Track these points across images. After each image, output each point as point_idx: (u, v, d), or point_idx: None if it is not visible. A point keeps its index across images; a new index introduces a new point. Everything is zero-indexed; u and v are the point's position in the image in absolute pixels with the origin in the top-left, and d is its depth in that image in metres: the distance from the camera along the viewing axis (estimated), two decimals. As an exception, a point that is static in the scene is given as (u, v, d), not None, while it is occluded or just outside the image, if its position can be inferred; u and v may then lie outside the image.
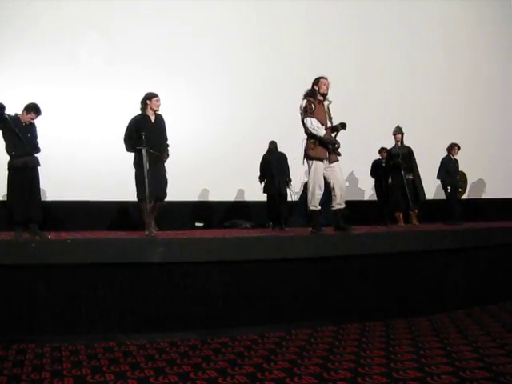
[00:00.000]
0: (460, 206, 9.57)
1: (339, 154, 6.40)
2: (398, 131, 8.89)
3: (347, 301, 5.81)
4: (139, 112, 6.72)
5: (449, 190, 9.40)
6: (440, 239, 6.46)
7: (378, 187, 10.01)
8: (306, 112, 6.32)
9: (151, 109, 6.60)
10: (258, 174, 9.14)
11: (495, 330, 5.24)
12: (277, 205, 8.83)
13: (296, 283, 5.63)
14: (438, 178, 9.48)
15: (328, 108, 6.47)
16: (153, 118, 6.64)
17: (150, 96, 6.60)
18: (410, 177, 8.73)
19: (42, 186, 6.54)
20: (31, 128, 6.41)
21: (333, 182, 6.38)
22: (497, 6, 12.83)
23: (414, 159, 8.90)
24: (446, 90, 12.07)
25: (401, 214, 8.94)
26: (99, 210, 9.32)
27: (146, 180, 6.24)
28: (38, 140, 6.50)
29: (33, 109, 6.33)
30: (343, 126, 6.46)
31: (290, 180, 9.09)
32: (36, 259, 4.96)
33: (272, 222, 8.98)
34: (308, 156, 6.40)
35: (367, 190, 11.88)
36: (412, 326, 5.51)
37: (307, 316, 5.60)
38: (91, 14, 9.94)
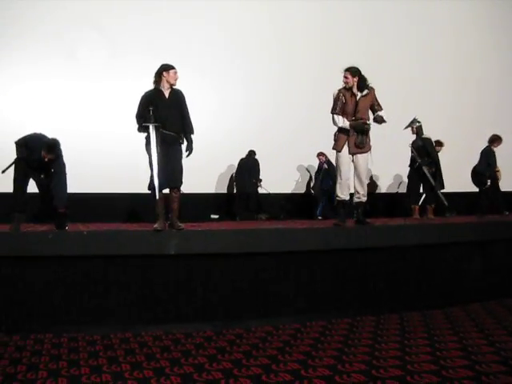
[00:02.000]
0: (495, 198, 9.49)
1: (360, 147, 6.27)
2: (409, 124, 8.81)
3: (362, 293, 5.80)
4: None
5: (488, 183, 9.31)
6: (456, 232, 6.42)
7: None
8: (332, 107, 6.34)
9: (167, 82, 5.74)
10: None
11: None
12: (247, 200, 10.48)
13: (311, 275, 5.63)
14: (479, 169, 9.38)
15: (360, 100, 6.26)
16: (167, 94, 5.78)
17: (166, 67, 5.76)
18: (425, 170, 8.63)
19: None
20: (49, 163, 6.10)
21: (354, 174, 6.39)
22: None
23: (432, 151, 8.79)
24: (457, 86, 11.98)
25: (416, 207, 8.89)
26: (114, 202, 9.38)
27: (155, 164, 5.55)
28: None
29: (44, 148, 5.98)
30: (376, 119, 6.35)
31: (261, 180, 10.48)
32: (53, 251, 5.01)
33: (240, 213, 10.43)
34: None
35: (380, 182, 11.84)
36: (427, 319, 5.49)
37: (322, 308, 5.60)
38: (104, 4, 9.97)
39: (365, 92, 6.28)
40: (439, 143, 9.75)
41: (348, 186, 6.40)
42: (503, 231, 6.75)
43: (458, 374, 3.67)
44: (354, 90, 6.26)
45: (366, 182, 6.54)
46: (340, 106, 6.27)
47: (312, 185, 11.30)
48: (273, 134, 10.57)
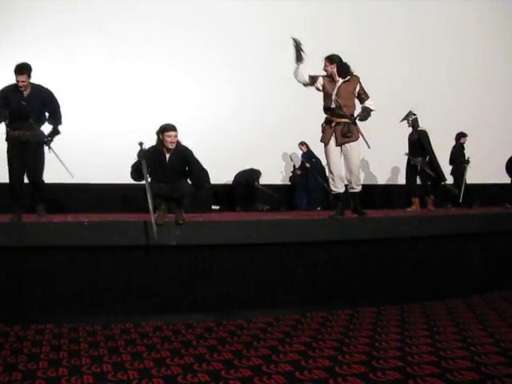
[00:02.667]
0: None
1: (348, 136, 6.09)
2: (404, 117, 8.80)
3: (363, 285, 5.81)
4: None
5: None
6: (457, 224, 6.42)
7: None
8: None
9: (164, 145, 5.36)
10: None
11: (511, 315, 5.23)
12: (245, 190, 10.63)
13: (312, 266, 5.64)
14: None
15: (341, 86, 6.10)
16: (167, 156, 5.39)
17: (163, 129, 5.33)
18: (427, 169, 8.59)
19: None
20: (32, 95, 5.78)
21: (344, 164, 6.27)
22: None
23: (426, 144, 8.74)
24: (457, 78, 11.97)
25: (416, 199, 8.88)
26: (114, 193, 9.35)
27: (149, 194, 5.06)
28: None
29: (15, 71, 5.66)
30: (360, 115, 6.20)
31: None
32: (54, 241, 5.01)
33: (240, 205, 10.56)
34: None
35: (378, 174, 11.75)
36: (427, 311, 5.51)
37: (323, 299, 5.62)
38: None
39: (347, 78, 6.13)
40: (463, 134, 9.87)
41: (341, 178, 6.26)
42: (503, 223, 6.75)
43: (457, 365, 3.68)
44: (336, 77, 6.14)
45: (358, 171, 6.39)
46: (316, 85, 6.18)
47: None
48: (274, 123, 10.55)
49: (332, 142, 6.20)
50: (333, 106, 6.13)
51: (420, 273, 6.04)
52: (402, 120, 8.83)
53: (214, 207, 10.45)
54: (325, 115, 6.30)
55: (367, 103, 6.20)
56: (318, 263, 5.67)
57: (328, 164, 6.31)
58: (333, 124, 6.15)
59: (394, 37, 11.60)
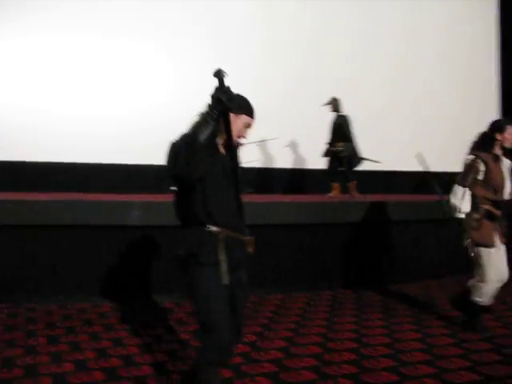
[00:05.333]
0: None
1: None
2: (327, 102, 8.75)
3: (344, 267, 5.96)
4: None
5: None
6: (414, 210, 6.52)
7: None
8: (463, 175, 4.19)
9: (231, 136, 2.54)
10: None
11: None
12: None
13: (296, 248, 5.74)
14: None
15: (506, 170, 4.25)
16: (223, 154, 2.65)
17: (245, 108, 2.62)
18: (339, 148, 8.54)
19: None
20: None
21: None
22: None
23: (347, 129, 8.70)
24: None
25: (335, 185, 8.76)
26: (87, 172, 9.08)
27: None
28: None
29: None
30: None
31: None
32: (12, 220, 4.91)
33: None
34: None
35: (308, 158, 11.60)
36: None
37: (306, 281, 5.75)
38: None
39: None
40: None
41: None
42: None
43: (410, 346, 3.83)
44: (499, 152, 4.20)
45: None
46: (472, 177, 4.14)
47: None
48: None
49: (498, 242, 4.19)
50: (507, 197, 4.23)
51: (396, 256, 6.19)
52: (325, 105, 8.79)
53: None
54: (482, 205, 4.16)
55: None
56: (302, 245, 5.77)
57: (487, 272, 4.13)
58: (496, 221, 4.19)
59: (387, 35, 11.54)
